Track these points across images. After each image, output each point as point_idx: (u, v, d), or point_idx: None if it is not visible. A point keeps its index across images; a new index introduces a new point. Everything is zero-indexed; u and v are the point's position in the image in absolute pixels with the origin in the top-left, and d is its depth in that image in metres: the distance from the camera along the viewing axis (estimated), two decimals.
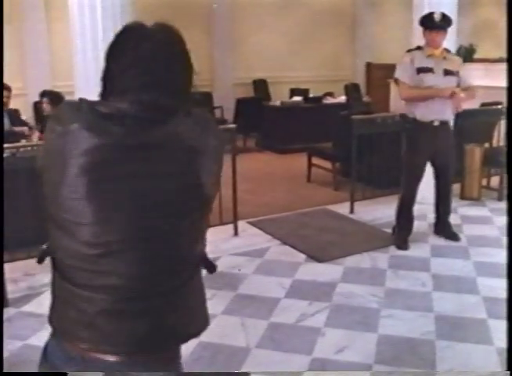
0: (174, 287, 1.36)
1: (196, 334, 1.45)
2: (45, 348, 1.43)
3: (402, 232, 4.64)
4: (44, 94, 5.82)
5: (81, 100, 1.30)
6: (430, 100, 4.33)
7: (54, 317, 1.41)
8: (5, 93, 6.11)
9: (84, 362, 1.34)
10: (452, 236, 4.73)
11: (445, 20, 4.34)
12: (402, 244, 4.57)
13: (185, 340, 1.44)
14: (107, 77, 1.36)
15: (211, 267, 1.53)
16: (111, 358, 1.34)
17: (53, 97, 5.53)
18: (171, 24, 1.38)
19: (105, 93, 1.36)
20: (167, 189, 1.30)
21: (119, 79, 1.33)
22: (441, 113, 4.40)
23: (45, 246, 1.42)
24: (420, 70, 4.36)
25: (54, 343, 1.41)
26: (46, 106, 5.57)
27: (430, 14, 4.37)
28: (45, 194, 1.32)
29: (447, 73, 4.39)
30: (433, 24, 4.32)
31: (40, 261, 1.45)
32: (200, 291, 1.47)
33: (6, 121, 5.72)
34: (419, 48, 4.47)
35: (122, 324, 1.33)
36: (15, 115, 6.41)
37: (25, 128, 6.05)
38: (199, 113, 1.38)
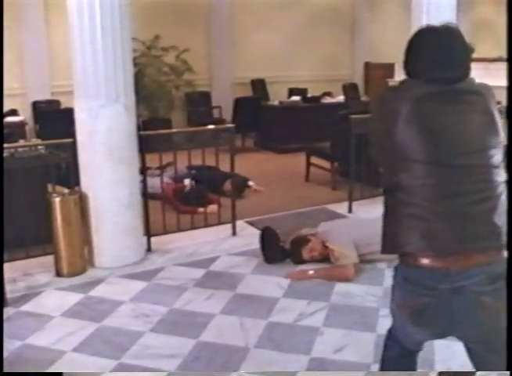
0: (491, 196, 1.75)
1: None
2: (406, 278, 1.82)
3: None
4: None
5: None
6: None
7: (408, 244, 1.78)
8: None
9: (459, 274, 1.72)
10: None
11: None
12: None
13: (502, 246, 1.77)
14: (409, 63, 1.88)
15: None
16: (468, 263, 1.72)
17: None
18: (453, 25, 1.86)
19: (408, 74, 1.88)
20: (474, 121, 1.79)
21: (418, 63, 1.85)
22: None
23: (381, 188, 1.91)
24: None
25: (417, 271, 1.78)
26: None
27: None
28: (381, 147, 1.87)
29: None
30: None
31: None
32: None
33: None
34: None
35: (463, 225, 1.72)
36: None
37: None
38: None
